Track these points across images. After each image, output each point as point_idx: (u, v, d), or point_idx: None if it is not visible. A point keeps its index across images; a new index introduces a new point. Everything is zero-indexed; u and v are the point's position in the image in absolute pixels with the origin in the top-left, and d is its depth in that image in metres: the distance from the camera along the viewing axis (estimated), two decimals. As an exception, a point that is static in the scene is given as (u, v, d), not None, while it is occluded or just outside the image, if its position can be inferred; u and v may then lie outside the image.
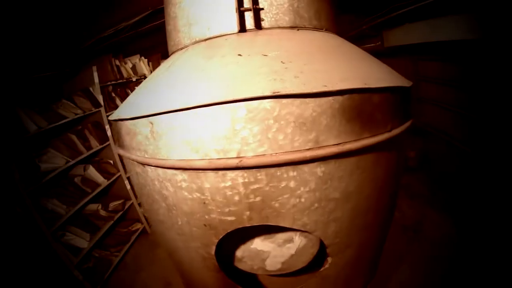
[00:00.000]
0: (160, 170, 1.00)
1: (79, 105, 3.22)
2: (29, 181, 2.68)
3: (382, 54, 4.25)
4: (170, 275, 3.19)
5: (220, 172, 0.87)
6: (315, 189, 0.92)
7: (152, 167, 1.04)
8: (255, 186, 0.88)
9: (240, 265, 1.28)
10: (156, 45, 4.01)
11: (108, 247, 3.48)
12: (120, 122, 1.17)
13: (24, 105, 2.78)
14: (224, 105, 0.80)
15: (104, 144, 3.42)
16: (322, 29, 1.29)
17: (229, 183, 0.88)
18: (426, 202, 3.77)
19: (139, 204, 3.87)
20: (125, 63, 3.84)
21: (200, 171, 0.88)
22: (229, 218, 0.95)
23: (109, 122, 3.45)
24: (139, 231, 3.84)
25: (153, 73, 1.36)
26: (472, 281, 2.50)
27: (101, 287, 3.20)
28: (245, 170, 0.85)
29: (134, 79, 3.91)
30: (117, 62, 3.68)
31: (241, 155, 0.82)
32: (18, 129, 2.65)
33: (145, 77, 4.12)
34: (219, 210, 0.94)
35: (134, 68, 3.97)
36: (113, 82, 3.63)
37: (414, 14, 2.96)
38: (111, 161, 3.52)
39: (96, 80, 3.38)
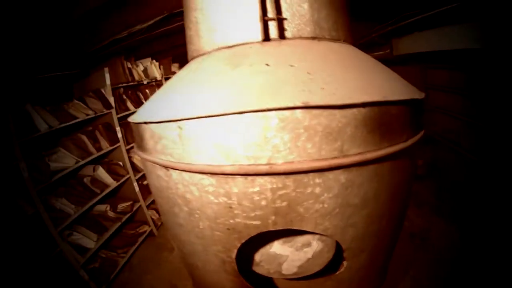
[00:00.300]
0: (186, 174, 1.03)
1: (90, 106, 3.26)
2: (39, 180, 2.71)
3: (391, 61, 4.29)
4: (176, 278, 3.21)
5: (250, 178, 0.90)
6: (338, 195, 0.96)
7: (177, 171, 1.06)
8: (283, 191, 0.91)
9: (257, 269, 1.30)
10: (168, 49, 4.06)
11: (115, 248, 3.50)
12: (143, 125, 1.20)
13: (36, 103, 2.81)
14: (257, 114, 0.83)
15: (114, 146, 3.45)
16: (340, 40, 1.33)
17: (257, 189, 0.91)
18: (434, 210, 3.79)
19: (147, 207, 3.89)
20: (137, 66, 3.88)
21: (229, 176, 0.91)
22: (255, 222, 0.98)
23: (120, 124, 3.49)
24: (146, 233, 3.86)
25: (175, 76, 1.38)
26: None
27: (107, 288, 3.22)
28: (274, 176, 0.88)
29: (145, 82, 3.95)
30: (129, 65, 3.72)
31: (271, 162, 0.86)
32: (29, 127, 2.69)
33: (156, 80, 4.17)
34: (245, 215, 0.97)
35: (145, 71, 4.01)
36: (124, 84, 3.68)
37: (423, 22, 3.01)
38: (121, 163, 3.55)
39: (108, 81, 3.41)
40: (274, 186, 0.90)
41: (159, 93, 1.36)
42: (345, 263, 1.23)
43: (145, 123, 1.16)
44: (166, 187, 1.18)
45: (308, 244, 1.20)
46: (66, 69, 3.32)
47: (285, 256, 1.24)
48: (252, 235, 1.03)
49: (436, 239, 3.26)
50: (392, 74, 1.22)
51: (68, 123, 2.96)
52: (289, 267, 1.27)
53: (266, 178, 0.89)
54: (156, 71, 4.12)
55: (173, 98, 1.11)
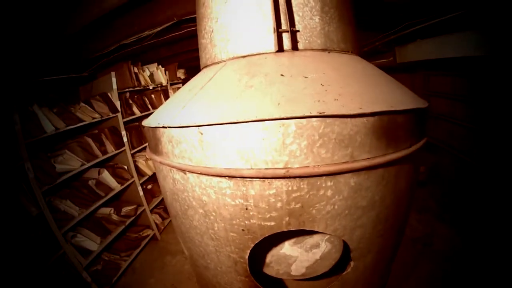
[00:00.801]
0: (204, 177, 1.09)
1: (96, 109, 3.31)
2: (44, 181, 2.75)
3: (394, 69, 4.39)
4: (178, 282, 3.24)
5: (267, 181, 0.96)
6: (347, 198, 1.02)
7: (195, 174, 1.12)
8: (297, 194, 0.97)
9: (267, 270, 1.35)
10: (174, 55, 4.13)
11: (117, 251, 3.53)
12: (161, 129, 1.25)
13: (43, 105, 2.85)
14: (277, 121, 0.90)
15: (120, 150, 3.49)
16: (348, 52, 1.40)
17: (273, 191, 0.97)
18: (435, 216, 3.85)
19: (151, 211, 3.93)
20: (143, 71, 3.94)
21: (247, 179, 0.97)
22: (269, 224, 1.03)
23: (126, 128, 3.53)
24: (149, 237, 3.89)
25: (190, 83, 1.44)
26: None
27: (109, 291, 3.23)
28: (290, 179, 0.95)
29: (151, 87, 4.01)
30: (136, 69, 3.79)
31: (288, 166, 0.92)
32: (35, 129, 2.73)
33: (161, 86, 4.24)
34: (260, 216, 1.03)
35: (151, 76, 4.07)
36: (130, 89, 3.74)
37: (426, 31, 3.09)
38: (125, 167, 3.59)
39: (115, 86, 3.47)
40: (290, 188, 0.96)
41: (174, 98, 1.41)
42: (352, 263, 1.28)
43: (164, 127, 1.21)
44: (182, 190, 1.24)
45: (317, 245, 1.25)
46: (73, 72, 3.37)
47: (295, 257, 1.29)
48: (266, 235, 1.08)
49: (438, 244, 3.31)
50: (397, 85, 1.29)
51: (74, 126, 3.00)
52: (298, 268, 1.32)
53: (283, 181, 0.95)
54: (162, 76, 4.18)
55: (192, 104, 1.17)
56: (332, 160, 0.94)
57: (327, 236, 1.20)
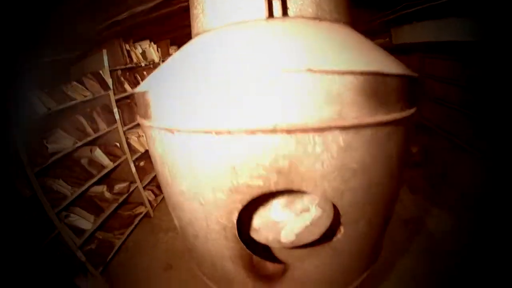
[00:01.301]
0: (192, 136, 1.07)
1: (88, 88, 3.27)
2: (36, 162, 2.72)
3: (390, 49, 4.34)
4: (171, 258, 3.27)
5: (255, 137, 0.95)
6: (336, 158, 1.01)
7: (183, 134, 1.10)
8: (285, 150, 0.96)
9: (256, 236, 1.35)
10: (167, 32, 4.06)
11: (111, 229, 3.55)
12: (150, 92, 1.25)
13: (34, 86, 2.81)
14: (267, 76, 0.89)
15: (112, 127, 3.47)
16: (340, 22, 1.37)
17: (261, 148, 0.96)
18: (428, 197, 3.89)
19: (144, 188, 3.93)
20: (135, 48, 3.88)
21: (235, 135, 0.96)
22: (257, 183, 1.03)
23: (118, 105, 3.50)
24: (142, 214, 3.91)
25: (182, 50, 1.41)
26: (472, 274, 2.60)
27: (104, 269, 3.26)
28: (278, 135, 0.94)
29: (143, 64, 3.96)
30: (127, 47, 3.72)
31: (276, 122, 0.91)
32: (27, 109, 2.69)
33: (153, 63, 4.18)
34: (248, 175, 1.02)
35: (143, 53, 4.02)
36: (122, 67, 3.68)
37: (423, 13, 3.06)
38: (118, 144, 3.57)
39: (106, 63, 3.42)
40: (277, 145, 0.95)
41: (168, 63, 1.39)
42: (342, 229, 1.29)
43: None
44: (171, 151, 1.22)
45: (307, 210, 1.25)
46: (65, 52, 3.30)
47: (284, 222, 1.29)
48: (254, 196, 1.08)
49: (430, 225, 3.36)
50: (389, 55, 1.28)
51: (66, 105, 2.96)
52: (288, 235, 1.32)
53: (271, 137, 0.94)
54: (154, 53, 4.13)
55: (184, 66, 1.15)
56: (320, 117, 0.93)
57: (317, 200, 1.19)
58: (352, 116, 0.97)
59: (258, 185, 1.04)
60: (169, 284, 2.95)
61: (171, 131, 1.13)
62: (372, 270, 1.81)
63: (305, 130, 0.93)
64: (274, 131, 0.92)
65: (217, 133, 0.98)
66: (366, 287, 1.76)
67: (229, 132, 0.96)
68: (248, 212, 1.32)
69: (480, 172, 3.77)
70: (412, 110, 1.22)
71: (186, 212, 1.40)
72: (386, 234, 1.66)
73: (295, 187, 1.04)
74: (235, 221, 1.19)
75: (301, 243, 1.36)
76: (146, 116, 1.34)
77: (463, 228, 3.19)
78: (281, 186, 1.03)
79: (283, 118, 0.93)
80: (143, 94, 1.29)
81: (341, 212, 1.20)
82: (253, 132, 0.94)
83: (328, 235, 1.39)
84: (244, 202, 1.11)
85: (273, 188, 1.04)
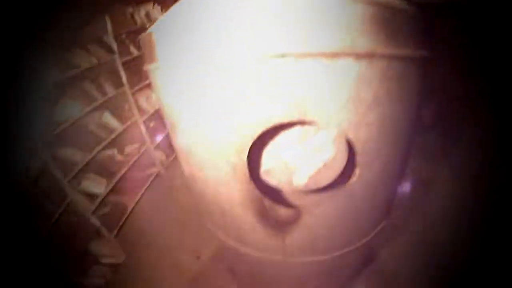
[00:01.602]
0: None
1: (93, 54, 3.20)
2: (46, 132, 2.70)
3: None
4: (185, 216, 3.30)
5: (266, 65, 0.90)
6: (350, 88, 0.96)
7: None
8: (297, 78, 0.92)
9: (267, 178, 1.31)
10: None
11: (124, 192, 3.58)
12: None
13: (40, 57, 2.76)
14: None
15: (119, 90, 3.42)
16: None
17: (271, 73, 0.92)
18: (439, 161, 3.79)
19: (155, 148, 3.93)
20: (139, 11, 3.76)
21: (242, 62, 0.92)
22: (269, 114, 0.98)
23: (124, 68, 3.44)
24: (154, 175, 3.92)
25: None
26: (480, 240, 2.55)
27: (118, 232, 3.31)
28: (290, 60, 0.89)
29: (147, 26, 3.84)
30: (131, 10, 3.61)
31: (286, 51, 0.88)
32: (35, 81, 2.65)
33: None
34: (259, 105, 0.97)
35: (147, 15, 3.90)
36: (126, 30, 3.58)
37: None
38: (126, 106, 3.54)
39: (110, 28, 3.33)
40: (289, 74, 0.92)
41: (170, 12, 1.32)
42: (357, 171, 1.23)
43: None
44: (178, 91, 1.18)
45: (321, 150, 1.19)
46: (68, 20, 3.21)
47: (296, 163, 1.24)
48: (265, 129, 1.03)
49: (440, 189, 3.29)
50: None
51: (72, 73, 2.92)
52: (300, 177, 1.27)
53: (282, 61, 0.90)
54: (158, 15, 4.00)
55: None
56: (334, 44, 0.89)
57: (332, 136, 1.13)
58: (365, 45, 0.93)
59: (270, 117, 0.99)
60: (183, 242, 3.00)
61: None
62: (383, 228, 1.79)
63: (316, 55, 0.89)
64: (283, 55, 0.88)
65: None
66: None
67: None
68: (259, 153, 1.27)
69: (494, 135, 3.64)
70: (424, 52, 1.14)
71: (196, 156, 1.37)
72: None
73: (308, 117, 0.98)
74: (245, 159, 1.15)
75: (315, 187, 1.30)
76: (152, 59, 1.29)
77: (472, 193, 3.11)
78: (294, 117, 0.98)
79: (295, 45, 0.89)
80: (150, 34, 1.24)
81: (356, 150, 1.14)
82: (263, 59, 0.89)
83: (342, 181, 1.34)
84: (255, 136, 1.06)
85: (285, 119, 0.99)
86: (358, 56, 0.92)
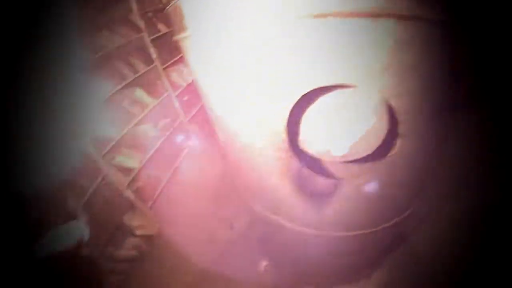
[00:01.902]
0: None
1: (120, 34, 3.23)
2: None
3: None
4: (220, 186, 3.37)
5: (307, 25, 0.88)
6: (390, 50, 0.93)
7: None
8: (339, 39, 0.90)
9: (307, 147, 1.28)
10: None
11: (158, 165, 3.66)
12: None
13: (67, 42, 2.78)
14: None
15: (150, 66, 3.45)
16: None
17: (315, 37, 0.90)
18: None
19: (189, 121, 3.96)
20: (164, -11, 3.71)
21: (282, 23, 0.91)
22: (306, 76, 0.96)
23: (153, 45, 3.44)
24: (188, 147, 3.95)
25: None
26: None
27: (152, 205, 3.42)
28: (336, 18, 0.87)
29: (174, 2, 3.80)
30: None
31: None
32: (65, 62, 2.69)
33: (186, 0, 3.98)
34: (299, 65, 0.94)
35: (173, -7, 3.83)
36: (153, 9, 3.57)
37: None
38: (158, 82, 3.57)
39: (134, 6, 3.31)
40: (330, 31, 0.89)
41: None
42: (398, 142, 1.18)
43: None
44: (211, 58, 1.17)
45: (361, 118, 1.14)
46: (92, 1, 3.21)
47: (336, 131, 1.20)
48: (304, 92, 1.00)
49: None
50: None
51: (100, 54, 2.95)
52: (340, 148, 1.23)
53: (323, 21, 0.88)
54: (183, -9, 3.92)
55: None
56: (373, 4, 0.85)
57: (373, 104, 1.07)
58: (407, 6, 0.87)
59: (308, 80, 0.96)
60: (217, 212, 3.04)
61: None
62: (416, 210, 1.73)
63: (360, 15, 0.85)
64: (325, 15, 0.85)
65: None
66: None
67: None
68: (297, 120, 1.23)
69: None
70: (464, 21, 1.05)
71: (231, 124, 1.37)
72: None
73: (347, 81, 0.94)
74: (284, 125, 1.14)
75: (355, 157, 1.26)
76: (181, 29, 1.27)
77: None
78: (331, 81, 0.94)
79: (338, 4, 0.85)
80: (177, 6, 1.28)
81: (398, 119, 1.10)
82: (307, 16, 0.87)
83: (383, 152, 1.29)
84: (294, 101, 1.03)
85: (324, 82, 0.95)
86: (401, 17, 0.88)
